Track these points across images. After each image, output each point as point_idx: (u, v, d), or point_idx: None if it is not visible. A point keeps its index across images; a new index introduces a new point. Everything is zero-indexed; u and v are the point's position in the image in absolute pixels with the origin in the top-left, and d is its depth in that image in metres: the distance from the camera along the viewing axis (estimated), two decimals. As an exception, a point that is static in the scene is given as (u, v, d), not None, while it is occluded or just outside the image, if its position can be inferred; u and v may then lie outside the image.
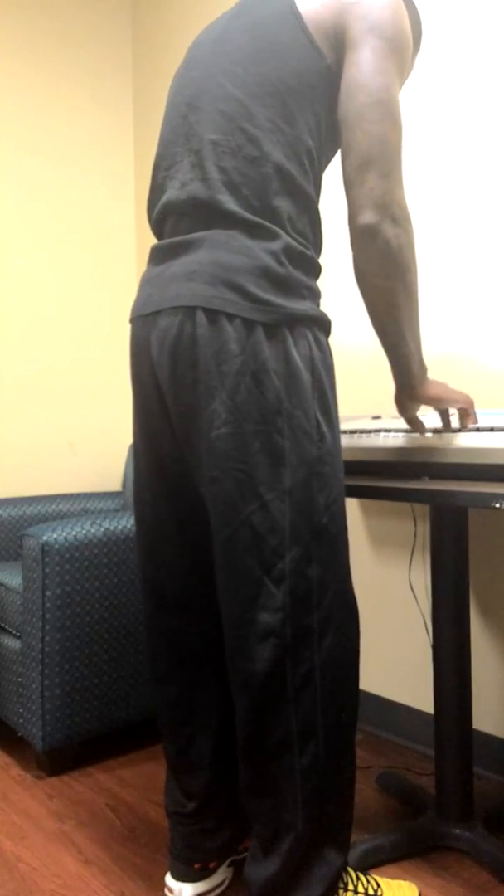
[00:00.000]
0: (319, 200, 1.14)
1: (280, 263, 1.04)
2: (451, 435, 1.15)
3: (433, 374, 1.77)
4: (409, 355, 1.12)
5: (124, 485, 2.42)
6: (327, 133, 1.11)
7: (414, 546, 1.84)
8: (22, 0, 2.54)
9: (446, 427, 1.21)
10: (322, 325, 1.10)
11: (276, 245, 1.04)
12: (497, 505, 1.04)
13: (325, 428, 1.07)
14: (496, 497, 1.04)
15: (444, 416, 1.21)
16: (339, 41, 1.07)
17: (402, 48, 1.07)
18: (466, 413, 1.17)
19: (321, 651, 1.06)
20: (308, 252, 1.09)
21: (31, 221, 2.53)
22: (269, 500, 1.03)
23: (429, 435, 1.19)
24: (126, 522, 1.83)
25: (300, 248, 1.07)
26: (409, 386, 1.15)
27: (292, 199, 1.07)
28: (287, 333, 1.04)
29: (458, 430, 1.17)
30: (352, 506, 2.00)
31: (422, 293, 1.80)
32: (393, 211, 1.03)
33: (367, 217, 1.02)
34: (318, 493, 1.06)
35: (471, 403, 1.17)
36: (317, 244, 1.13)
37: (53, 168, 2.59)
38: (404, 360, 1.12)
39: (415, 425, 1.21)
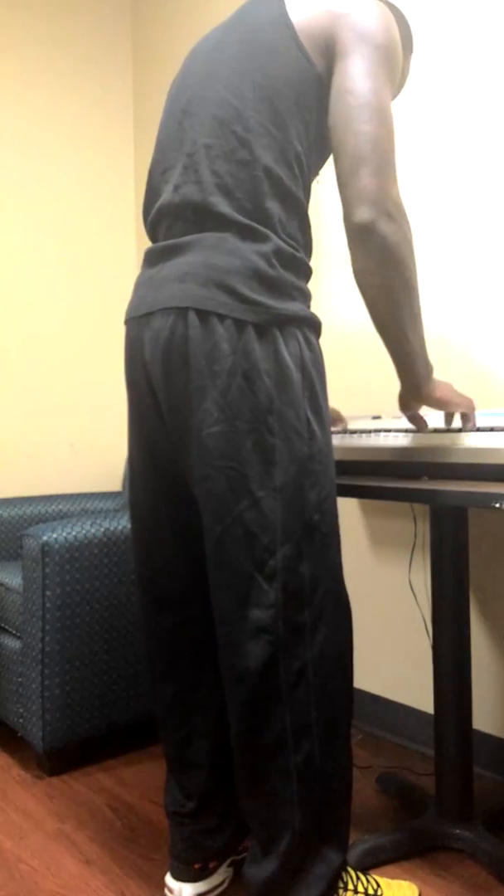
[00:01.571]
0: (309, 205, 1.14)
1: (271, 265, 1.05)
2: (452, 434, 1.15)
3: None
4: (412, 354, 1.10)
5: (124, 485, 2.42)
6: (316, 140, 1.12)
7: (414, 546, 1.84)
8: (22, 7, 2.54)
9: (448, 426, 1.21)
10: (312, 325, 1.10)
11: (266, 247, 1.05)
12: (497, 505, 1.04)
13: (315, 427, 1.07)
14: (496, 497, 1.04)
15: (448, 417, 1.21)
16: (328, 50, 1.08)
17: (392, 55, 1.07)
18: (467, 418, 1.17)
19: (314, 648, 1.06)
20: (298, 254, 1.09)
21: (32, 223, 2.53)
22: (261, 497, 1.03)
23: (431, 430, 1.19)
24: (126, 522, 1.83)
25: (290, 250, 1.08)
26: (414, 386, 1.14)
27: (282, 203, 1.07)
28: (277, 334, 1.04)
29: (459, 430, 1.17)
30: (352, 506, 2.00)
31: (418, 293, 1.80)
32: (388, 207, 1.02)
33: (362, 214, 1.01)
34: (310, 491, 1.06)
35: (473, 408, 1.17)
36: (307, 247, 1.13)
37: (54, 171, 2.59)
38: (408, 358, 1.11)
39: (417, 423, 1.20)
